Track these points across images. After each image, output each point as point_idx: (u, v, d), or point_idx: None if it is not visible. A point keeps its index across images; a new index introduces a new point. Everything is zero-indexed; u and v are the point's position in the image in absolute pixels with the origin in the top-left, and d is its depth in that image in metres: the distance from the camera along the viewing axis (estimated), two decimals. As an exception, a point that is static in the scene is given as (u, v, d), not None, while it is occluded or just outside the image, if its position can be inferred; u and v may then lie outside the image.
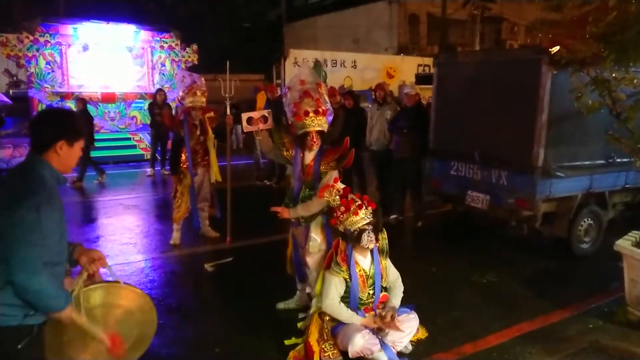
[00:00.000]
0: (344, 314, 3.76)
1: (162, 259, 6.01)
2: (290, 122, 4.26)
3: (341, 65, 20.37)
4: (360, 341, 3.61)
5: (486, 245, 6.61)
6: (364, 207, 3.82)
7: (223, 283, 5.38)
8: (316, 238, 4.26)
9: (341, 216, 3.83)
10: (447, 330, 4.30)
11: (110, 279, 2.58)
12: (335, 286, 3.77)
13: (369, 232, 3.80)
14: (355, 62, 20.73)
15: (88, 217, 8.00)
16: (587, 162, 5.81)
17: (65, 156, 2.32)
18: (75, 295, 2.38)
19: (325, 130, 4.22)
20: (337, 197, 3.95)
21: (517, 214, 5.88)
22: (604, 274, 5.50)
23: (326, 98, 4.32)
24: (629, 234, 4.78)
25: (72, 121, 2.41)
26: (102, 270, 2.56)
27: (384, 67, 21.46)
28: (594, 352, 4.04)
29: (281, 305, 4.65)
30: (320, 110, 4.12)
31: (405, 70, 21.21)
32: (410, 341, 3.97)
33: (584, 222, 6.07)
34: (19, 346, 2.20)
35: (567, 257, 6.06)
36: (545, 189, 5.64)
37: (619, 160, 5.89)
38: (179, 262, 5.98)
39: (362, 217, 3.79)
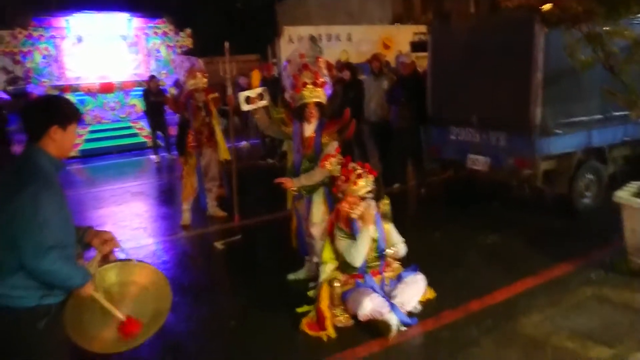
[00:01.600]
0: (360, 246, 3.87)
1: (173, 241, 6.15)
2: (289, 96, 4.35)
3: (336, 39, 20.24)
4: (370, 304, 3.74)
5: (488, 208, 6.71)
6: (365, 176, 3.93)
7: (233, 260, 5.53)
8: (319, 209, 4.38)
9: (342, 185, 3.94)
10: (453, 290, 4.42)
11: (123, 258, 2.70)
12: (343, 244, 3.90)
13: (370, 201, 3.92)
14: (350, 35, 20.59)
15: (96, 205, 8.13)
16: (584, 118, 5.85)
17: (60, 141, 2.39)
18: (92, 276, 2.49)
19: (324, 102, 4.30)
20: (338, 166, 4.06)
21: (518, 174, 5.95)
22: (606, 227, 5.56)
23: (325, 72, 4.40)
24: (628, 184, 4.87)
25: (62, 106, 2.46)
26: (115, 250, 2.67)
27: (379, 39, 21.31)
28: (596, 300, 4.16)
29: (291, 277, 4.78)
30: (318, 82, 4.21)
31: (402, 40, 21.04)
32: (419, 301, 4.10)
33: (585, 177, 6.14)
34: (39, 325, 2.32)
35: (569, 214, 6.15)
36: (544, 147, 5.70)
37: (616, 114, 5.93)
38: (189, 243, 6.13)
39: (362, 186, 3.90)
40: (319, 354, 3.59)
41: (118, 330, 2.59)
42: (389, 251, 4.01)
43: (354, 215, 3.91)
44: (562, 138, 5.77)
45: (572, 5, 4.43)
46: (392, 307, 3.82)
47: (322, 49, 18.82)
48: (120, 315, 2.55)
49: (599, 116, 5.93)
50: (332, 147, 4.25)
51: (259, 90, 4.71)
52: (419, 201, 7.49)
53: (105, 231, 2.67)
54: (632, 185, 4.81)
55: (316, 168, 4.27)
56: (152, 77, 11.78)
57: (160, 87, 11.73)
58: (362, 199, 3.95)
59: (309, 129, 4.34)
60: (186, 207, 6.56)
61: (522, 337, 3.69)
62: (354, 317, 3.88)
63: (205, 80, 6.16)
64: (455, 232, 5.86)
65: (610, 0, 3.90)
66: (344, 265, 4.03)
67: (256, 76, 4.61)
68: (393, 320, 3.74)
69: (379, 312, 3.75)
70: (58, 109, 2.42)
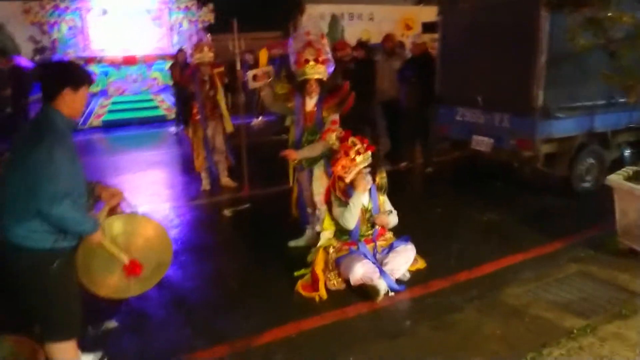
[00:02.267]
0: (353, 209, 4.10)
1: (185, 207, 6.47)
2: (293, 70, 4.57)
3: (358, 18, 20.27)
4: (361, 270, 4.00)
5: (491, 187, 6.89)
6: (363, 152, 4.15)
7: (240, 226, 5.82)
8: (320, 180, 4.62)
9: (341, 160, 4.17)
10: (445, 261, 4.65)
11: (129, 211, 2.99)
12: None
13: (366, 175, 4.14)
14: (372, 14, 20.58)
15: (115, 172, 8.48)
16: (587, 103, 5.96)
17: (72, 101, 2.67)
18: (100, 226, 2.78)
19: (324, 78, 4.51)
20: (337, 141, 4.28)
21: (519, 155, 6.09)
22: (602, 210, 5.67)
23: (327, 49, 4.60)
24: (622, 169, 5.01)
25: (74, 70, 2.76)
26: (122, 204, 2.97)
27: (401, 19, 21.25)
28: (580, 276, 4.35)
29: (292, 244, 5.05)
30: (320, 59, 4.41)
31: (425, 20, 20.94)
32: (409, 270, 4.34)
33: (586, 161, 6.27)
34: (53, 266, 2.63)
35: (569, 196, 6.30)
36: (545, 130, 5.83)
37: (621, 100, 6.01)
38: (200, 209, 6.44)
39: (360, 162, 4.12)
40: (312, 312, 3.86)
41: (123, 271, 2.89)
42: (380, 216, 4.22)
43: (346, 180, 4.12)
44: (564, 121, 5.88)
45: (574, -10, 4.51)
46: (382, 273, 4.07)
47: (343, 27, 18.92)
48: (124, 258, 2.85)
49: (603, 101, 6.02)
50: (332, 120, 4.47)
51: (265, 68, 4.93)
52: (424, 179, 7.68)
53: (113, 187, 2.96)
54: (626, 170, 4.95)
55: (318, 140, 4.50)
56: (180, 50, 12.02)
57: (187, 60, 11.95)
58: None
59: (310, 104, 4.57)
60: (204, 174, 6.96)
61: (503, 305, 3.91)
62: (347, 281, 4.14)
63: (211, 54, 6.39)
64: (455, 209, 6.06)
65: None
66: (338, 233, 4.28)
67: (264, 55, 4.81)
68: (382, 285, 4.00)
69: (369, 278, 4.00)
70: (70, 73, 2.71)
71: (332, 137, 4.31)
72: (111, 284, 2.92)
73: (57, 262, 2.64)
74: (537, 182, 6.79)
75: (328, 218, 4.35)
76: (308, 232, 5.04)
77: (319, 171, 4.67)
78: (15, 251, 2.60)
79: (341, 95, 4.60)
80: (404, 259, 4.21)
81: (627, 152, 7.28)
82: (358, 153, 4.13)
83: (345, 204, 4.13)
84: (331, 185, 4.28)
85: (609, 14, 4.63)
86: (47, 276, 2.62)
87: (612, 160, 6.50)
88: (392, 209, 4.37)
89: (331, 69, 4.61)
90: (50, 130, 2.55)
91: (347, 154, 4.13)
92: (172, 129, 12.11)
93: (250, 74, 4.87)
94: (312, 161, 4.63)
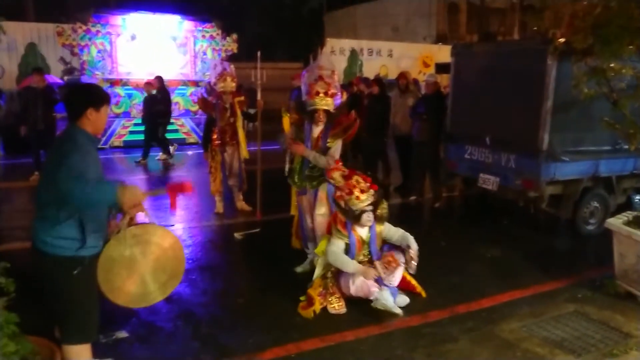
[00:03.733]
0: (345, 259, 4.31)
1: (198, 228, 6.71)
2: (304, 100, 4.95)
3: (377, 54, 20.76)
4: (360, 278, 4.22)
5: (497, 225, 7.05)
6: (367, 190, 4.37)
7: (250, 249, 6.03)
8: (322, 204, 4.93)
9: (345, 196, 4.39)
10: (444, 293, 4.80)
11: (147, 221, 3.23)
12: (339, 244, 4.35)
13: (368, 213, 4.35)
14: (391, 51, 21.07)
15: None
16: (592, 148, 6.15)
17: (95, 120, 2.93)
18: (121, 234, 3.01)
19: (331, 110, 4.88)
20: (341, 178, 4.51)
21: (524, 195, 6.28)
22: (604, 252, 5.79)
23: (337, 84, 4.97)
24: (622, 214, 5.16)
25: (95, 91, 3.05)
26: (141, 214, 3.21)
27: (420, 56, 21.71)
28: (576, 315, 4.47)
29: (299, 269, 5.25)
30: (329, 93, 4.76)
31: (442, 59, 21.30)
32: (403, 290, 4.54)
33: (590, 204, 6.42)
34: (74, 272, 2.86)
35: (572, 237, 6.43)
36: (550, 172, 6.02)
37: (625, 146, 6.18)
38: (212, 231, 6.68)
39: (363, 200, 4.34)
40: (312, 334, 4.03)
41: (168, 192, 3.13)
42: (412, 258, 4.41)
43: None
44: (569, 164, 6.08)
45: (578, 40, 4.76)
46: (382, 284, 4.25)
47: (362, 62, 19.44)
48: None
49: (608, 147, 6.20)
50: (337, 148, 4.84)
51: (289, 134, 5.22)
52: (432, 213, 7.86)
53: None
54: (626, 215, 5.10)
55: (325, 156, 4.85)
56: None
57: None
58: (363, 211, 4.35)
59: (317, 130, 4.94)
60: (218, 197, 7.25)
61: (497, 339, 4.04)
62: (348, 298, 4.32)
63: (233, 84, 6.75)
64: (459, 243, 6.22)
65: (605, 37, 4.23)
66: None
67: (286, 121, 5.19)
68: (385, 296, 4.17)
69: (368, 287, 4.18)
70: (92, 94, 2.99)
71: (337, 175, 4.55)
72: (128, 292, 3.12)
73: (79, 268, 2.86)
74: (543, 222, 6.94)
75: (324, 244, 4.53)
76: (310, 257, 5.26)
77: (322, 193, 4.95)
78: (41, 257, 2.84)
79: (347, 122, 4.94)
80: (398, 271, 4.37)
81: (637, 198, 7.40)
82: (362, 192, 4.34)
83: (344, 237, 4.34)
84: (332, 217, 4.50)
85: (612, 65, 4.88)
86: (69, 282, 2.85)
87: (618, 205, 6.63)
88: (399, 229, 4.56)
89: (338, 101, 4.96)
90: (72, 142, 2.81)
91: (351, 193, 4.34)
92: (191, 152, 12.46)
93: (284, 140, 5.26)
94: (317, 183, 4.92)
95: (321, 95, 4.76)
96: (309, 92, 4.81)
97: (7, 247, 5.81)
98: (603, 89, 5.04)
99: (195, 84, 14.50)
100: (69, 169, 2.67)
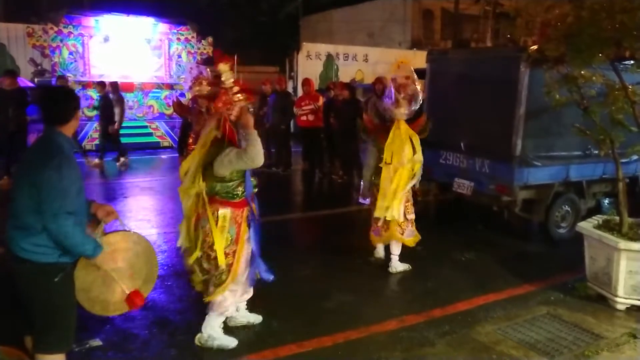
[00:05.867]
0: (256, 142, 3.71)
1: (174, 233, 6.60)
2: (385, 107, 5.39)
3: (353, 59, 20.84)
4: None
5: (472, 229, 7.14)
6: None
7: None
8: None
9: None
10: (420, 298, 4.85)
11: (120, 228, 3.18)
12: None
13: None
14: (367, 56, 21.17)
15: (108, 196, 8.65)
16: (563, 153, 6.28)
17: (76, 121, 2.92)
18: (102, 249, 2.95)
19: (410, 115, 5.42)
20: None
21: (498, 199, 6.37)
22: (575, 256, 5.93)
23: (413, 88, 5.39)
24: (592, 217, 5.28)
25: (74, 93, 3.04)
26: (115, 222, 3.17)
27: (395, 62, 21.87)
28: (549, 318, 4.55)
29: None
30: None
31: (417, 64, 21.39)
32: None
33: (562, 208, 6.55)
34: (56, 279, 2.79)
35: (546, 241, 6.55)
36: (523, 177, 6.13)
37: (595, 152, 6.33)
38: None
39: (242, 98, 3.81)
40: (290, 339, 4.01)
41: (125, 301, 3.05)
42: None
43: (232, 116, 3.75)
44: (540, 169, 6.19)
45: (551, 48, 4.86)
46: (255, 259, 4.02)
47: (338, 66, 19.47)
48: (125, 287, 3.02)
49: (578, 152, 6.34)
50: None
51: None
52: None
53: (107, 205, 3.18)
54: (596, 218, 5.23)
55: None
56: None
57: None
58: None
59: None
60: None
61: (473, 342, 4.09)
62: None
63: (209, 88, 6.67)
64: (435, 248, 6.25)
65: (576, 45, 4.33)
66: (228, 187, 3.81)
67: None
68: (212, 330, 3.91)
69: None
70: (75, 96, 2.99)
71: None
72: (106, 301, 3.07)
73: (60, 275, 2.79)
74: (516, 226, 7.05)
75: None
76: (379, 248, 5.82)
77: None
78: (19, 263, 2.77)
79: (420, 124, 5.45)
80: None
81: (606, 202, 7.60)
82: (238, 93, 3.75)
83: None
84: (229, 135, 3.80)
85: (582, 73, 5.00)
86: (50, 289, 2.78)
87: (588, 209, 6.78)
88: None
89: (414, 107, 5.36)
90: (58, 151, 2.75)
91: (226, 92, 3.76)
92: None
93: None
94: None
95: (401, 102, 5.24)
96: (395, 102, 5.22)
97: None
98: (574, 96, 5.16)
99: (170, 87, 14.35)
100: (61, 184, 2.68)
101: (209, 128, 3.89)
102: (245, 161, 3.64)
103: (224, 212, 3.73)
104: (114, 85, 11.47)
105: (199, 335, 3.87)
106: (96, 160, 11.17)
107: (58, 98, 2.98)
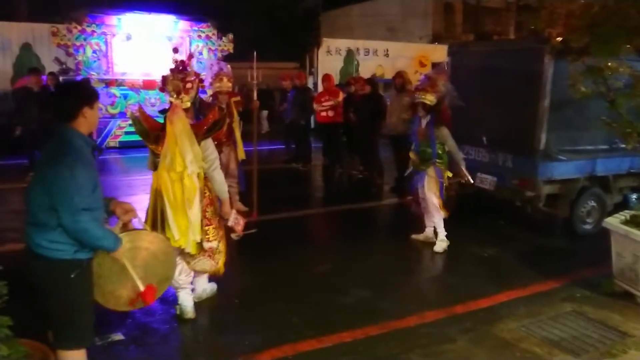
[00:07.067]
0: None
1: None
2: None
3: (373, 54, 20.73)
4: None
5: (494, 224, 7.03)
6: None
7: (246, 249, 5.98)
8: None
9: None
10: (441, 293, 4.80)
11: (139, 227, 3.19)
12: None
13: None
14: (387, 50, 21.04)
15: (128, 192, 8.71)
16: (589, 147, 6.14)
17: (90, 118, 2.87)
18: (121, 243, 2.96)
19: (432, 104, 5.74)
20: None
21: (521, 194, 6.26)
22: (601, 251, 5.79)
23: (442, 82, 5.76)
24: (620, 212, 5.15)
25: (87, 87, 3.00)
26: (133, 220, 3.17)
27: (416, 56, 21.68)
28: (574, 315, 4.45)
29: (413, 236, 6.13)
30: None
31: (438, 58, 21.28)
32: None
33: (587, 204, 6.41)
34: (72, 275, 2.81)
35: (569, 237, 6.42)
36: (547, 171, 6.01)
37: (622, 145, 6.17)
38: (208, 232, 6.62)
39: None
40: (309, 334, 3.99)
41: (138, 296, 3.05)
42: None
43: None
44: (565, 164, 6.06)
45: (575, 39, 4.75)
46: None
47: (358, 62, 19.43)
48: (140, 284, 3.02)
49: (604, 146, 6.19)
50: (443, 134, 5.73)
51: None
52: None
53: (126, 202, 3.16)
54: (623, 214, 5.09)
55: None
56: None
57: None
58: None
59: (423, 122, 5.82)
60: None
61: (495, 339, 4.02)
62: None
63: (229, 84, 6.70)
64: (455, 243, 6.16)
65: (602, 36, 4.22)
66: None
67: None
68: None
69: None
70: (85, 91, 2.92)
71: None
72: (119, 297, 3.09)
73: (75, 272, 2.80)
74: (539, 221, 6.92)
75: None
76: (427, 230, 6.06)
77: (431, 173, 5.86)
78: (36, 260, 2.78)
79: (447, 118, 5.81)
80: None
81: (633, 197, 7.40)
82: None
83: None
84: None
85: (608, 64, 4.87)
86: (66, 285, 2.79)
87: (614, 204, 6.62)
88: None
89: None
90: (70, 149, 2.75)
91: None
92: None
93: None
94: (426, 165, 5.84)
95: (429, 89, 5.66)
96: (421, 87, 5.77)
97: None
98: (600, 88, 5.03)
99: (191, 84, 14.41)
100: (74, 182, 2.67)
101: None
102: (212, 175, 4.29)
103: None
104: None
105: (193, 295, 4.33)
106: None
107: (62, 95, 2.96)
